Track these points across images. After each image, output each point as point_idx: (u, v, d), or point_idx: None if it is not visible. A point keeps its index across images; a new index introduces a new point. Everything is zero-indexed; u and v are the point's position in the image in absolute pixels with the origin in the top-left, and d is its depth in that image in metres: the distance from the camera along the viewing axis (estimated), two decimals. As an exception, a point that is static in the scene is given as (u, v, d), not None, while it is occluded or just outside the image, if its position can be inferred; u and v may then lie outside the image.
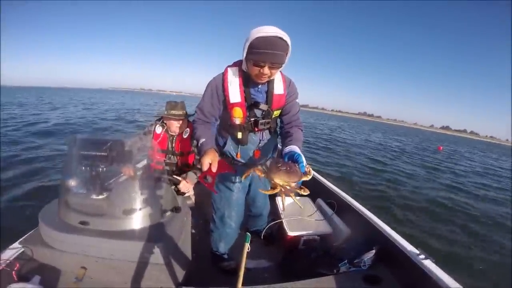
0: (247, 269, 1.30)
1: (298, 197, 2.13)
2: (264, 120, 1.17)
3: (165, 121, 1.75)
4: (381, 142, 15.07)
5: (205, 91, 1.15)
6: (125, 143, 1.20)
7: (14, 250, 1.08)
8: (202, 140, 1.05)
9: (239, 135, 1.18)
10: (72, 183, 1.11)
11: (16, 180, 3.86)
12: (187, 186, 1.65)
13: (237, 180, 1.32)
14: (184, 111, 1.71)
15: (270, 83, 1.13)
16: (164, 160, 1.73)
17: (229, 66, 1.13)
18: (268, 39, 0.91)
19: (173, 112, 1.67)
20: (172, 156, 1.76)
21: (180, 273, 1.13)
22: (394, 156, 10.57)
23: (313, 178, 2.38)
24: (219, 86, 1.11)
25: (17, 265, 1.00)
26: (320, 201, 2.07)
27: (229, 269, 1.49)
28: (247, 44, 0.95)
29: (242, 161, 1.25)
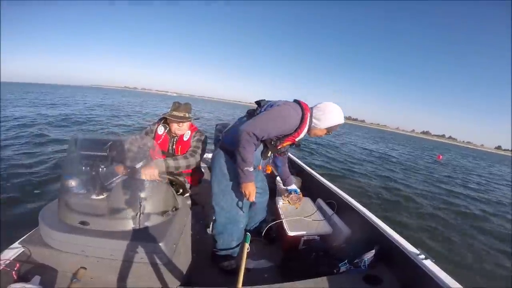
0: (247, 269, 1.30)
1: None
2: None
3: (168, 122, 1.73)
4: (380, 155, 13.09)
5: (277, 117, 1.27)
6: (125, 143, 1.20)
7: (14, 250, 1.08)
8: (249, 169, 1.26)
9: (269, 153, 1.42)
10: (72, 183, 1.11)
11: (16, 180, 3.86)
12: (149, 172, 1.24)
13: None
14: (186, 114, 1.67)
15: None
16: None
17: (307, 110, 1.32)
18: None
19: (175, 113, 1.64)
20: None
21: (180, 273, 1.13)
22: (401, 170, 9.01)
23: (313, 179, 2.38)
24: (296, 122, 1.29)
25: (17, 265, 1.00)
26: (320, 201, 2.07)
27: (230, 269, 1.49)
28: (336, 120, 1.34)
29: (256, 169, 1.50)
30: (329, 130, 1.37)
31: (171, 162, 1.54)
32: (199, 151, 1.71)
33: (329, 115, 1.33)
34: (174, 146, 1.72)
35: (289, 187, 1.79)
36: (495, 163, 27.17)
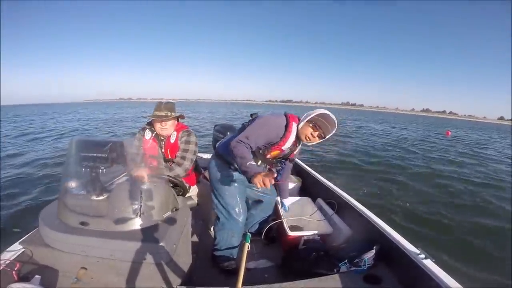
0: (247, 269, 1.30)
1: (298, 197, 2.14)
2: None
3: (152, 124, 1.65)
4: (396, 138, 12.76)
5: (263, 125, 1.36)
6: (125, 144, 1.20)
7: (14, 250, 1.08)
8: (251, 162, 1.22)
9: (258, 162, 1.42)
10: (72, 184, 1.11)
11: (17, 181, 3.87)
12: (139, 173, 1.21)
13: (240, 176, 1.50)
14: (168, 112, 1.61)
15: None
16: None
17: (293, 120, 1.38)
18: (330, 119, 1.32)
19: (156, 113, 1.59)
20: (164, 163, 1.66)
21: (180, 273, 1.13)
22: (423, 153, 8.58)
23: (313, 178, 2.38)
24: (281, 131, 1.36)
25: (18, 265, 1.01)
26: (320, 201, 2.07)
27: (231, 268, 1.49)
28: (315, 114, 1.33)
29: None
30: (312, 123, 1.33)
31: (170, 173, 1.53)
32: (189, 154, 1.66)
33: (309, 113, 1.38)
34: (163, 150, 1.67)
35: (283, 200, 1.88)
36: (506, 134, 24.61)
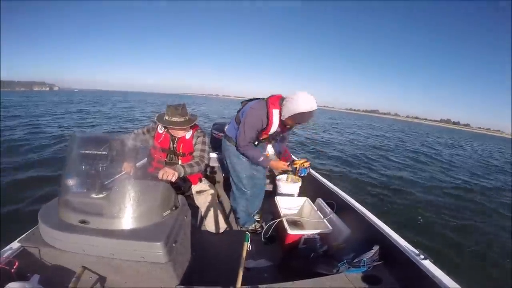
0: (246, 269, 1.30)
1: (297, 197, 2.14)
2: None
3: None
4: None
5: (249, 122, 1.59)
6: (125, 141, 1.20)
7: (13, 248, 1.08)
8: (263, 159, 1.69)
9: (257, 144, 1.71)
10: (72, 182, 1.11)
11: (16, 178, 3.85)
12: (168, 172, 1.35)
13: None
14: (187, 117, 1.61)
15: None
16: (165, 160, 1.71)
17: (274, 108, 1.54)
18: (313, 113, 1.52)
19: (175, 119, 1.56)
20: (173, 156, 1.73)
21: (180, 273, 1.12)
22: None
23: (313, 178, 2.38)
24: (264, 121, 1.57)
25: (16, 263, 1.00)
26: (320, 201, 2.07)
27: (255, 229, 1.93)
28: (303, 108, 1.47)
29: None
30: (294, 120, 1.53)
31: (187, 169, 1.54)
32: (206, 154, 1.70)
33: (291, 105, 1.49)
34: (175, 145, 1.70)
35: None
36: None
